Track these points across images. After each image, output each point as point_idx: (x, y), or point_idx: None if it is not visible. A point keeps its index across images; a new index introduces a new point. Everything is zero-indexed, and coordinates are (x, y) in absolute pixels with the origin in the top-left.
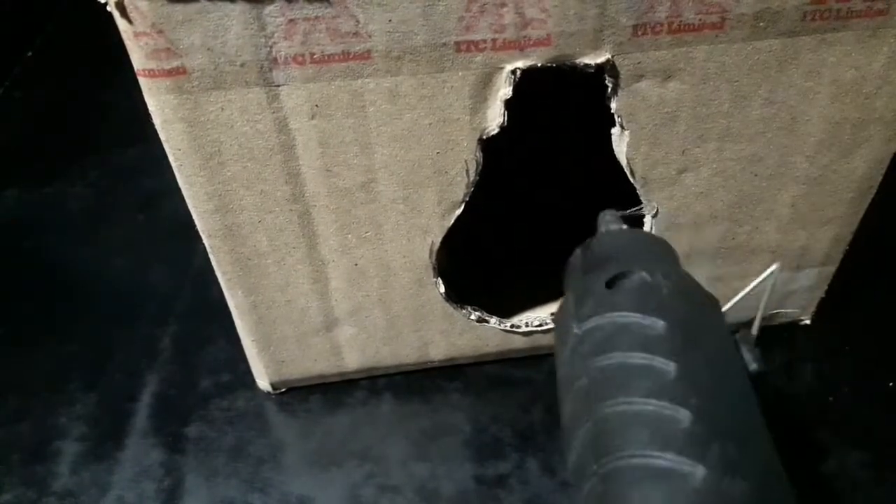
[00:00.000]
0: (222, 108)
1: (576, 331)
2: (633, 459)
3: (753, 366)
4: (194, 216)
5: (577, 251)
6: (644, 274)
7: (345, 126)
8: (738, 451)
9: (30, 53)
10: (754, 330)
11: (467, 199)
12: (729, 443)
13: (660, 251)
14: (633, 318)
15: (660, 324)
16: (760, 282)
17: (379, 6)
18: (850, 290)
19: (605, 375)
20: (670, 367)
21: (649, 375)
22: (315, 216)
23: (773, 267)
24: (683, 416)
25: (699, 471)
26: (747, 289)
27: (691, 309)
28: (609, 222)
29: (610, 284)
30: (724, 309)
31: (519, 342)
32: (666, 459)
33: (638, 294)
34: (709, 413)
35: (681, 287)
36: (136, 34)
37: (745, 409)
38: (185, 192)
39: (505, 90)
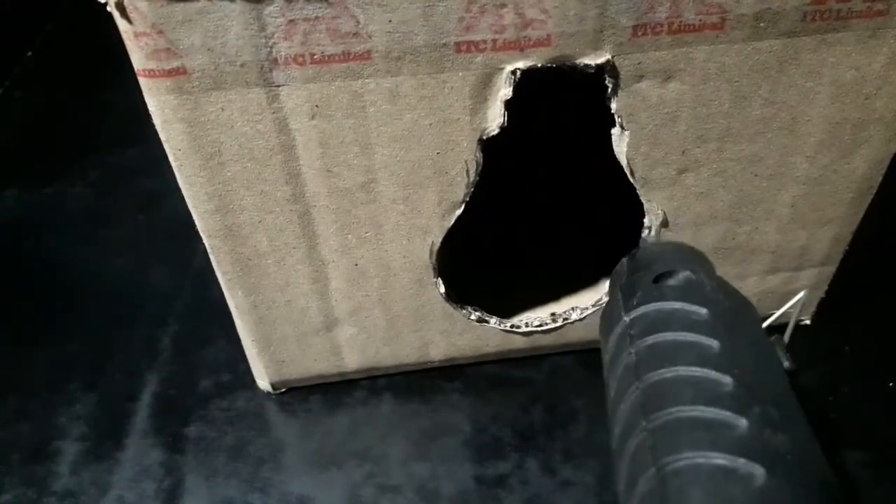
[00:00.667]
0: (222, 109)
1: (625, 318)
2: (681, 414)
3: (786, 364)
4: (194, 216)
5: (623, 260)
6: (689, 273)
7: (345, 126)
8: (777, 413)
9: (30, 53)
10: (786, 337)
11: (467, 199)
12: (769, 406)
13: (700, 258)
14: (679, 305)
15: (703, 311)
16: (788, 307)
17: (379, 7)
18: (850, 290)
19: (653, 351)
20: (714, 343)
21: (694, 349)
22: (315, 216)
23: (801, 295)
24: (726, 381)
25: (742, 422)
26: (775, 316)
27: (732, 303)
28: (651, 238)
29: (656, 280)
30: None
31: (519, 342)
32: (711, 413)
33: (683, 288)
34: (749, 382)
35: (721, 287)
36: (136, 34)
37: (783, 388)
38: (185, 193)
39: (505, 90)
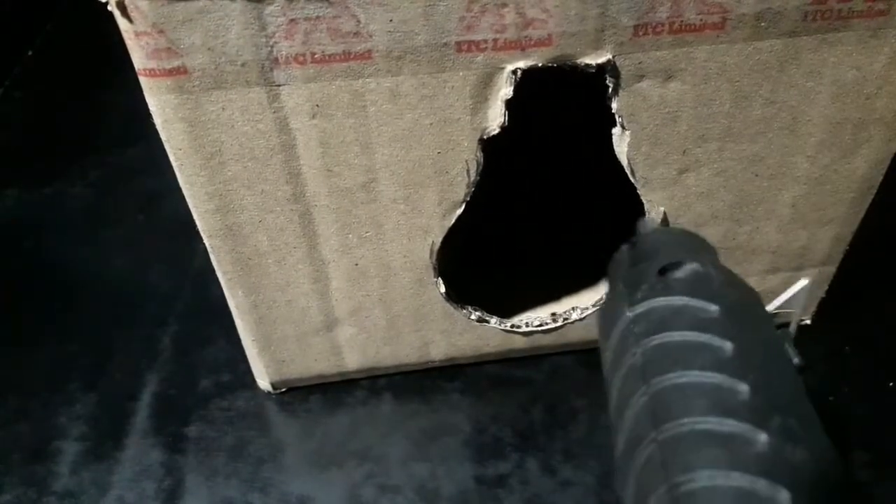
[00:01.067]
0: (223, 108)
1: (628, 314)
2: (696, 426)
3: (796, 360)
4: (195, 216)
5: (623, 248)
6: (696, 264)
7: (345, 126)
8: (797, 424)
9: (30, 53)
10: (792, 330)
11: (468, 198)
12: (788, 416)
13: (705, 246)
14: (688, 300)
15: (713, 307)
16: (792, 293)
17: (380, 6)
18: (850, 290)
19: (661, 352)
20: (726, 345)
21: (706, 352)
22: (316, 216)
23: (803, 282)
24: (742, 389)
25: (762, 437)
26: (777, 302)
27: (741, 298)
28: (649, 225)
29: (662, 272)
30: None
31: (519, 342)
32: (728, 426)
33: (691, 281)
34: (766, 388)
35: (729, 279)
36: (137, 34)
37: (798, 391)
38: (185, 192)
39: (506, 90)
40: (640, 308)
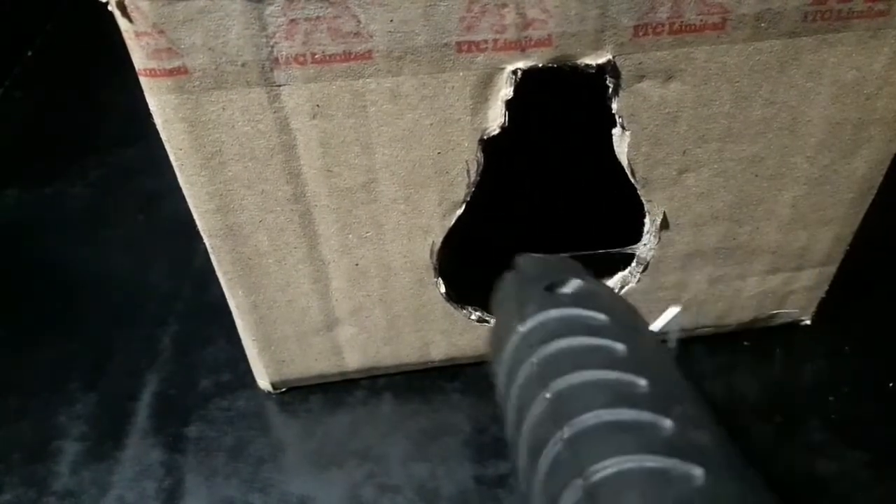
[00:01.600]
0: (223, 108)
1: (519, 329)
2: (601, 418)
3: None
4: (195, 216)
5: (505, 274)
6: (580, 281)
7: (346, 126)
8: (697, 411)
9: (30, 53)
10: (672, 343)
11: (468, 199)
12: (688, 404)
13: (585, 270)
14: (578, 311)
15: (602, 316)
16: (669, 320)
17: (380, 6)
18: (850, 290)
19: (557, 358)
20: (620, 346)
21: (601, 353)
22: (316, 216)
23: (676, 309)
24: (641, 382)
25: (667, 422)
26: (657, 325)
27: (626, 309)
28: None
29: (549, 289)
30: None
31: None
32: (632, 415)
33: (578, 295)
34: (664, 382)
35: (613, 293)
36: (138, 34)
37: (692, 388)
38: (185, 192)
39: (506, 90)
40: (532, 322)
